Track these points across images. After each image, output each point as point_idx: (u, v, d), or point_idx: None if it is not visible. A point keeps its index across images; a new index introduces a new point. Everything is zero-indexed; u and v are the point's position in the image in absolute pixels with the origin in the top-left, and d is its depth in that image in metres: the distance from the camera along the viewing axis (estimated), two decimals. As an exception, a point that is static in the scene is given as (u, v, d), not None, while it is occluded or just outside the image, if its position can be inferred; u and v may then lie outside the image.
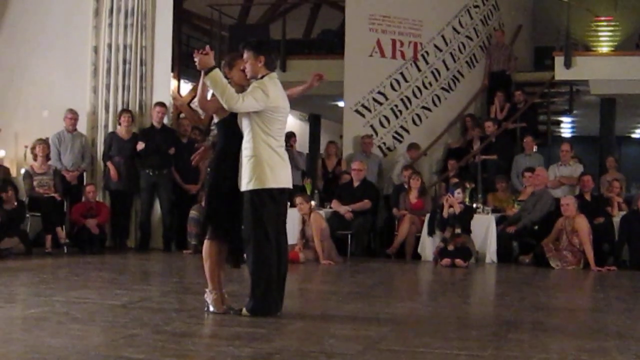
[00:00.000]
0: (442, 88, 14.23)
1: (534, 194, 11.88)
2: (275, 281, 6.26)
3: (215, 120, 6.48)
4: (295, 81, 14.22)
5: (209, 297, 6.39)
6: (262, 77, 6.26)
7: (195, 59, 6.16)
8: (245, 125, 6.24)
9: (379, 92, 13.83)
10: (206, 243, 6.41)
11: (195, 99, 6.68)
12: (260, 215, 6.18)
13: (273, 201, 6.26)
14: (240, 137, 6.27)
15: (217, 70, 6.14)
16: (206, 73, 6.12)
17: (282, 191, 6.34)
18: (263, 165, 6.18)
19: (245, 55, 6.30)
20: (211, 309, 6.36)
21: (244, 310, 6.25)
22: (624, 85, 14.47)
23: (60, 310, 6.42)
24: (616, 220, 11.42)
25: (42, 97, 12.30)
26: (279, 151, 6.29)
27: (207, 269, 6.39)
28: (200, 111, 6.13)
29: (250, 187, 6.18)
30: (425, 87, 14.08)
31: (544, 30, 16.79)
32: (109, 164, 11.93)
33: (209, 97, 6.41)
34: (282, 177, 6.31)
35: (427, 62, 14.09)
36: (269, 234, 6.22)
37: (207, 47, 6.23)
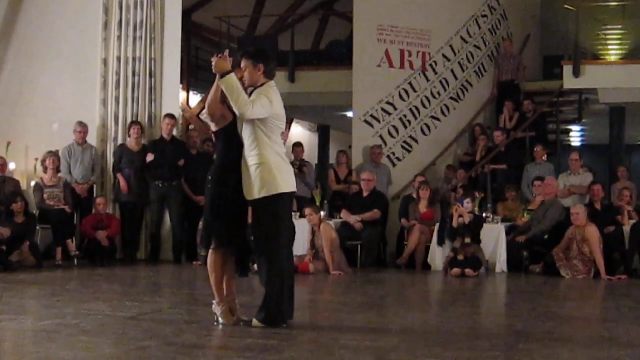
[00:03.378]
0: (451, 98, 14.24)
1: (544, 204, 11.85)
2: (286, 290, 6.26)
3: (214, 129, 6.39)
4: (304, 92, 14.49)
5: (217, 309, 6.37)
6: (261, 86, 6.25)
7: (213, 62, 6.16)
8: (248, 134, 6.21)
9: (388, 103, 13.82)
10: (210, 255, 6.35)
11: (205, 111, 6.62)
12: (276, 221, 6.18)
13: (285, 205, 6.29)
14: (240, 145, 6.25)
15: (233, 75, 6.11)
16: (222, 77, 6.12)
17: (291, 195, 6.38)
18: (273, 171, 6.17)
19: (243, 64, 6.28)
20: (221, 320, 6.35)
21: (255, 321, 6.23)
22: (633, 93, 14.42)
23: (71, 323, 6.43)
24: (627, 229, 11.37)
25: (52, 110, 12.34)
26: (284, 156, 6.33)
27: (213, 281, 6.36)
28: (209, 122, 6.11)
29: (264, 194, 6.15)
30: (434, 97, 14.09)
31: (553, 39, 16.78)
32: (119, 176, 11.97)
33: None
34: (290, 181, 6.34)
35: (435, 72, 14.10)
36: (283, 242, 6.23)
37: (227, 52, 6.22)
